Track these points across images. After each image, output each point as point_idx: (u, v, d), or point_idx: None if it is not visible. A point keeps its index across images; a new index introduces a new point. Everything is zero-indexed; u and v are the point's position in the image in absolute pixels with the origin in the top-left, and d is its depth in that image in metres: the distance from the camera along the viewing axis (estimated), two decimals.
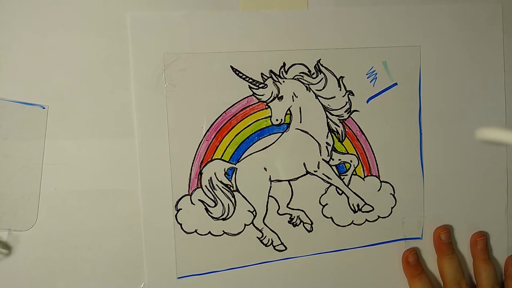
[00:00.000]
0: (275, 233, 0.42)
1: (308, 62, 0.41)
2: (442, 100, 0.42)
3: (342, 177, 0.42)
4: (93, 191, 0.40)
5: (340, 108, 0.42)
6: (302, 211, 0.42)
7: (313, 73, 0.41)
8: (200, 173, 0.41)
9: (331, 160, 0.42)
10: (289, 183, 0.42)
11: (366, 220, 0.43)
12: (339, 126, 0.42)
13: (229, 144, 0.41)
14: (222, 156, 0.41)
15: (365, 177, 0.42)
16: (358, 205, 0.43)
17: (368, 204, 0.43)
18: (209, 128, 0.41)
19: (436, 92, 0.42)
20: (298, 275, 0.43)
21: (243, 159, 0.41)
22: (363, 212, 0.43)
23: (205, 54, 0.40)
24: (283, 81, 0.41)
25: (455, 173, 0.43)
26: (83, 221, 0.40)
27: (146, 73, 0.40)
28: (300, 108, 0.41)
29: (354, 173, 0.42)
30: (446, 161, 0.43)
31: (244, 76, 0.41)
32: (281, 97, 0.41)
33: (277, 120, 0.41)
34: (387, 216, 0.43)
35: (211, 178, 0.41)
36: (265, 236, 0.42)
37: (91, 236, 0.40)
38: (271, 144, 0.41)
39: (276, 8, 0.40)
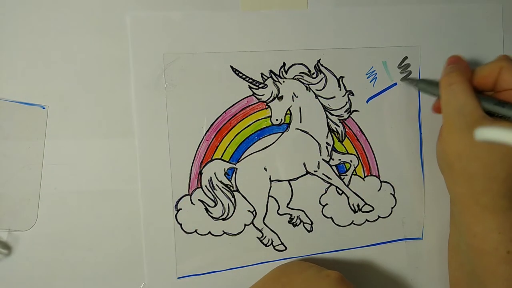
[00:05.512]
0: (275, 233, 0.42)
1: (308, 62, 0.41)
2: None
3: (342, 177, 0.42)
4: (93, 191, 0.40)
5: (340, 108, 0.42)
6: (302, 211, 0.42)
7: (313, 73, 0.41)
8: (200, 173, 0.41)
9: (331, 160, 0.42)
10: (289, 183, 0.42)
11: (366, 220, 0.43)
12: (339, 126, 0.42)
13: (229, 144, 0.41)
14: (222, 156, 0.41)
15: (365, 177, 0.42)
16: (358, 205, 0.43)
17: (368, 204, 0.43)
18: (209, 128, 0.41)
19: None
20: None
21: (243, 159, 0.41)
22: (363, 212, 0.43)
23: (205, 54, 0.40)
24: (283, 81, 0.41)
25: None
26: (83, 221, 0.40)
27: (146, 73, 0.40)
28: (300, 108, 0.41)
29: (354, 173, 0.42)
30: None
31: (244, 76, 0.41)
32: (281, 97, 0.41)
33: (277, 120, 0.41)
34: (387, 216, 0.43)
35: (211, 178, 0.41)
36: (265, 236, 0.42)
37: (91, 236, 0.40)
38: (271, 144, 0.41)
39: (276, 8, 0.40)
